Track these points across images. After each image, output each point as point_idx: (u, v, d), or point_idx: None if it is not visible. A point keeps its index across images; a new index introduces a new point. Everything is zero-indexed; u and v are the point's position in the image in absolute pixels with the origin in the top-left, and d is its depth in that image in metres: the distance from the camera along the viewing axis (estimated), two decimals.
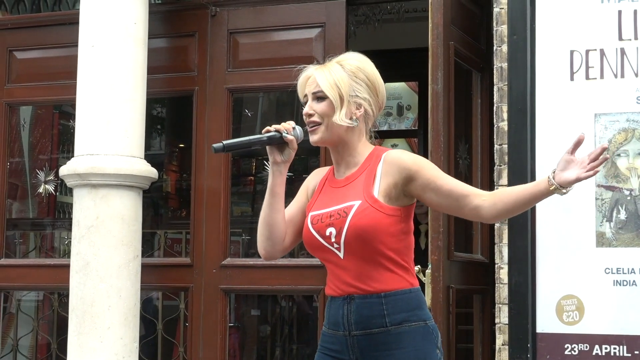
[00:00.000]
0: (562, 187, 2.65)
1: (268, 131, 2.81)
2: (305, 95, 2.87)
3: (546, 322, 4.22)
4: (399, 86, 9.26)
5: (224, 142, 2.78)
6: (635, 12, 4.34)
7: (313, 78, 2.85)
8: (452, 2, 4.80)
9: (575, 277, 4.22)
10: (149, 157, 5.43)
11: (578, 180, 2.64)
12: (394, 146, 9.46)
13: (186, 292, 5.74)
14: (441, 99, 4.54)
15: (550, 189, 2.66)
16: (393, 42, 7.98)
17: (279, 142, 2.81)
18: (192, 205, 5.71)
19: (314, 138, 2.86)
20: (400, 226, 2.80)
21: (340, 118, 2.83)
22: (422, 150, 8.37)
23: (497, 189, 4.57)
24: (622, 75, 4.31)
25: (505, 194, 2.77)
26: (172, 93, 6.22)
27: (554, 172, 2.66)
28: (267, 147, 2.83)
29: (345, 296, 2.79)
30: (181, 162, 8.42)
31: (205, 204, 5.64)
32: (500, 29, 4.68)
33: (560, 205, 4.25)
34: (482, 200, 2.76)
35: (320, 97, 2.83)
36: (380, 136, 9.49)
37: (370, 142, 2.92)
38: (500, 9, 4.69)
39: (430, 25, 4.62)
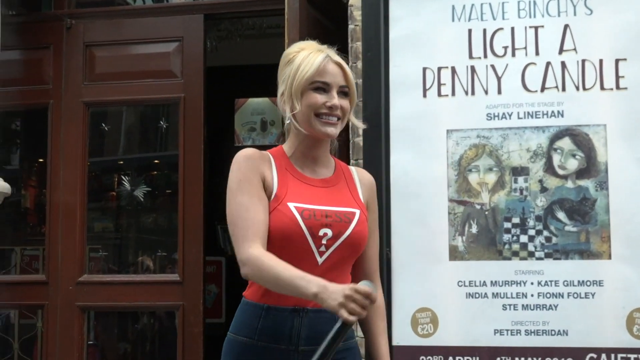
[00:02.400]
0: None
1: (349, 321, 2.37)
2: (325, 83, 2.70)
3: (402, 334, 4.27)
4: (263, 102, 9.23)
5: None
6: (484, 30, 4.43)
7: (340, 70, 2.74)
8: (309, 19, 4.82)
9: (429, 290, 4.28)
10: (9, 172, 5.30)
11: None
12: None
13: (42, 309, 5.62)
14: None
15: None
16: (256, 57, 7.97)
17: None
18: (47, 221, 5.60)
19: (333, 131, 2.73)
20: None
21: (355, 118, 2.86)
22: None
23: None
24: (473, 93, 4.39)
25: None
26: (27, 106, 6.07)
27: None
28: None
29: (294, 307, 2.64)
30: (40, 177, 8.19)
31: (61, 220, 5.54)
32: (355, 46, 4.72)
33: (415, 218, 4.32)
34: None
35: (345, 92, 2.73)
36: None
37: None
38: (355, 26, 4.73)
39: (286, 41, 4.64)
